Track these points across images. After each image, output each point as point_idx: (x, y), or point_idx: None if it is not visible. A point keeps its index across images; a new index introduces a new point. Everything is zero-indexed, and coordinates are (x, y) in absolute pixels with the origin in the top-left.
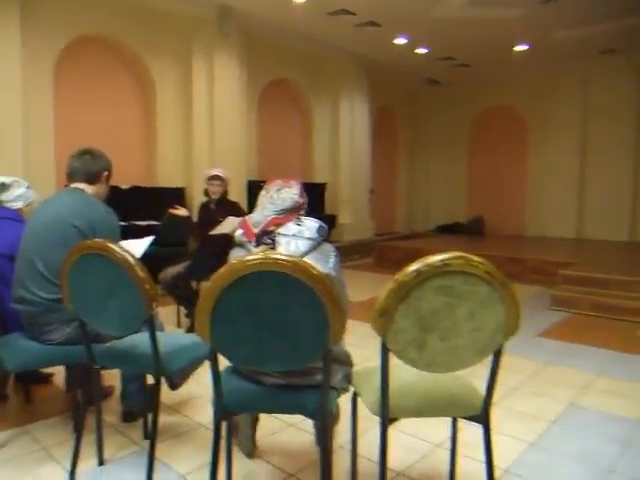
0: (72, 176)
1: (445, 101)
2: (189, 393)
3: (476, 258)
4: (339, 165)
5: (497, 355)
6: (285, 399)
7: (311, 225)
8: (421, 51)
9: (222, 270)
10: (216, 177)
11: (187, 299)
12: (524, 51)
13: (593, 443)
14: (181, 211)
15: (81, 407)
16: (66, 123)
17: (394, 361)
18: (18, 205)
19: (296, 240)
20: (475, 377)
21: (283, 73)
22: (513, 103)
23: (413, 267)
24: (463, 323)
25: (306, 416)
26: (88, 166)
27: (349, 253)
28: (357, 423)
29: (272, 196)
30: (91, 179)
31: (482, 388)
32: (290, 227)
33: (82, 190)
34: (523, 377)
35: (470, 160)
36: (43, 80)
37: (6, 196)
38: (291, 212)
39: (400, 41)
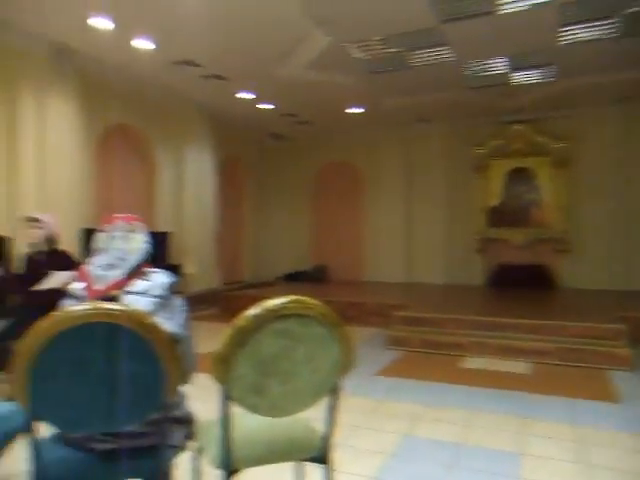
0: None
1: (289, 155)
2: (7, 473)
3: (310, 300)
4: (183, 214)
5: (334, 393)
6: (118, 465)
7: (160, 281)
8: (266, 106)
9: (42, 323)
10: (33, 219)
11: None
12: (359, 113)
13: (424, 468)
14: None
15: None
16: None
17: (238, 410)
18: None
19: (145, 298)
20: (319, 419)
21: (125, 118)
22: (351, 159)
23: (251, 312)
24: (302, 365)
25: None
26: None
27: (196, 304)
28: None
29: (120, 248)
30: None
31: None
32: (138, 284)
33: None
34: (363, 415)
35: (313, 211)
36: None
37: None
38: (140, 267)
39: (245, 95)
